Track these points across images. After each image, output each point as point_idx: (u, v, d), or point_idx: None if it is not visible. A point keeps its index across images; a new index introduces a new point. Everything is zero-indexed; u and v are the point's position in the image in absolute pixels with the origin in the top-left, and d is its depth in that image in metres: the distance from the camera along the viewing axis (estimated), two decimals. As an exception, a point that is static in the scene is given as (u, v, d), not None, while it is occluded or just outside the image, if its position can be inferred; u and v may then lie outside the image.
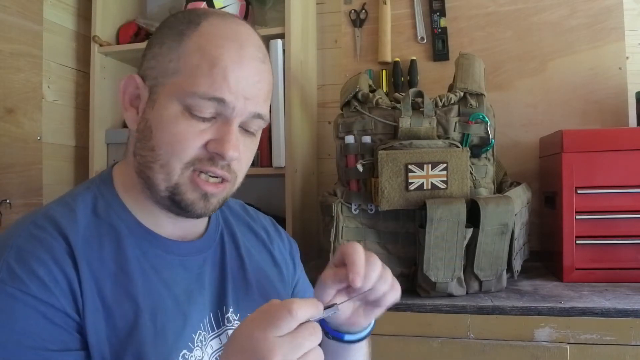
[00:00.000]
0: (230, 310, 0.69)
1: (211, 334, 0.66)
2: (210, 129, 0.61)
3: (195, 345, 0.63)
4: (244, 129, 0.64)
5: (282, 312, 0.47)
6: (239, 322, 0.69)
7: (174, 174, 0.61)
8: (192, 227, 0.70)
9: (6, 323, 0.52)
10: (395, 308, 1.08)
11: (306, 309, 0.49)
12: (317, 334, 0.49)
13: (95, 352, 0.56)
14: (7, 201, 1.34)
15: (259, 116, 0.64)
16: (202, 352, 0.64)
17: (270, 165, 1.49)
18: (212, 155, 0.61)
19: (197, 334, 0.64)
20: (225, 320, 0.68)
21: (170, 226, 0.67)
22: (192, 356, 0.62)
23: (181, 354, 0.61)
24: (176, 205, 0.63)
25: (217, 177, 0.63)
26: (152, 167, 0.62)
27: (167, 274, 0.64)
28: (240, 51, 0.62)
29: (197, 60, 0.60)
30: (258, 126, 0.66)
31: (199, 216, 0.65)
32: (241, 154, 0.63)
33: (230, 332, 0.67)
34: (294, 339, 0.47)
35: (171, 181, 0.62)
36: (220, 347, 0.66)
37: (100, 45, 1.59)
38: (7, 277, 0.54)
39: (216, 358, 0.66)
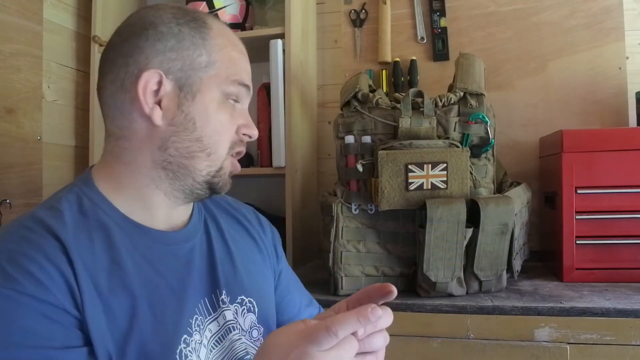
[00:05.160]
0: (224, 292, 0.71)
1: (208, 317, 0.68)
2: (236, 115, 0.70)
3: (194, 329, 0.65)
4: None
5: (322, 332, 0.48)
6: (231, 305, 0.71)
7: (220, 159, 0.69)
8: (180, 217, 0.73)
9: (5, 324, 0.52)
10: (395, 308, 1.09)
11: (346, 327, 0.48)
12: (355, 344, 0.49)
13: (99, 346, 0.56)
14: (7, 201, 1.34)
15: None
16: (201, 336, 0.65)
17: (270, 165, 1.49)
18: (242, 137, 0.71)
19: (194, 319, 0.65)
20: (221, 303, 0.70)
21: (160, 218, 0.69)
22: (192, 340, 0.63)
23: (182, 339, 0.62)
24: (210, 186, 0.69)
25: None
26: (198, 156, 0.67)
27: (158, 263, 0.65)
28: (243, 47, 0.73)
29: (230, 52, 0.69)
30: None
31: (223, 192, 0.73)
32: None
33: (226, 313, 0.70)
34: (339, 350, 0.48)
35: (216, 166, 0.69)
36: (218, 330, 0.68)
37: (100, 45, 1.58)
38: (0, 279, 0.53)
39: (215, 340, 0.67)
